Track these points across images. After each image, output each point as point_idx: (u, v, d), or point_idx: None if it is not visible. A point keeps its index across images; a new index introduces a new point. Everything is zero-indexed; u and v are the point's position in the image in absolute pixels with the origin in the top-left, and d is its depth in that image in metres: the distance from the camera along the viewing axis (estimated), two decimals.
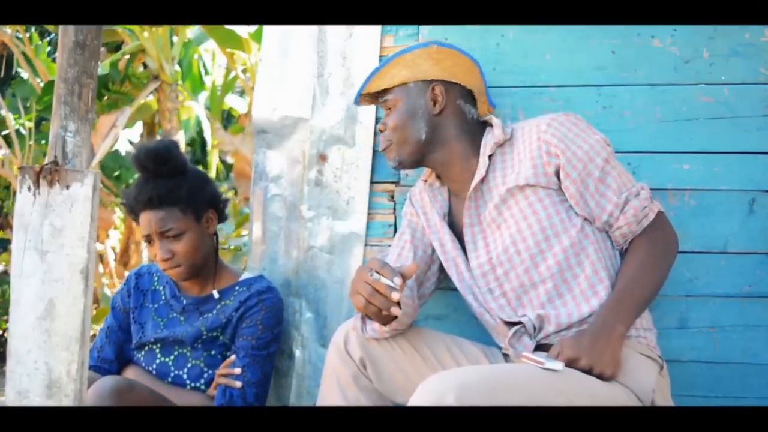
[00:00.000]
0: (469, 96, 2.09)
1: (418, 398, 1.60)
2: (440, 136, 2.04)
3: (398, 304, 1.77)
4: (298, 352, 2.43)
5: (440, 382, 1.61)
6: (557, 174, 1.93)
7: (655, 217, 1.94)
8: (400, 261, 2.07)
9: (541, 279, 1.91)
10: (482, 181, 2.00)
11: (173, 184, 2.28)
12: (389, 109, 2.09)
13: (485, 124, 2.09)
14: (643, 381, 1.81)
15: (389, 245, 2.31)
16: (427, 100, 2.04)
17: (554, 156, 1.92)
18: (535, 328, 1.89)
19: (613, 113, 2.23)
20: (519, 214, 1.94)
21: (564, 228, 1.91)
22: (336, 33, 2.45)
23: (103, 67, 5.67)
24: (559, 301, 1.89)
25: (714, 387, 2.16)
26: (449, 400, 1.55)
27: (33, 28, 6.68)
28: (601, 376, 1.76)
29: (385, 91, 2.09)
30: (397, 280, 1.74)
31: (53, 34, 7.07)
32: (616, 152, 2.01)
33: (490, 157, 2.01)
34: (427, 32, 2.34)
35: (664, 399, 1.87)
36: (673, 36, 2.22)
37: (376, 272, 1.75)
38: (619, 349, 1.79)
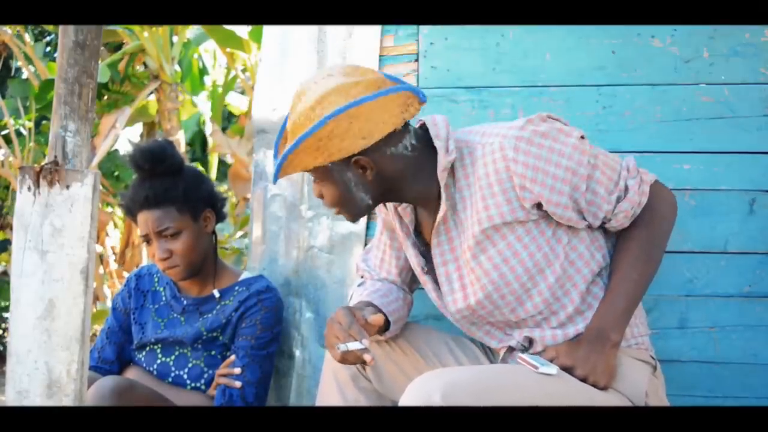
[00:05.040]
0: (399, 130, 1.78)
1: (407, 397, 1.62)
2: (387, 188, 1.82)
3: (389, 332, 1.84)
4: (298, 352, 2.43)
5: (427, 381, 1.62)
6: (537, 205, 1.78)
7: (647, 198, 1.85)
8: (384, 267, 2.04)
9: (529, 315, 1.84)
10: (444, 216, 1.83)
11: (169, 183, 2.28)
12: (315, 181, 1.84)
13: (428, 135, 1.83)
14: (636, 385, 1.80)
15: None
16: (355, 170, 1.78)
17: (529, 191, 1.75)
18: (524, 347, 1.87)
19: (613, 113, 2.23)
20: (498, 257, 1.80)
21: (548, 263, 1.80)
22: (336, 33, 2.44)
23: (103, 68, 5.66)
24: (546, 325, 1.85)
25: (714, 387, 2.16)
26: (436, 399, 1.56)
27: (29, 30, 6.68)
28: (595, 386, 1.75)
29: None
30: (366, 342, 1.74)
31: (51, 35, 7.06)
32: (616, 152, 2.00)
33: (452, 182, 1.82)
34: (427, 32, 2.34)
35: (659, 400, 1.86)
36: (673, 36, 2.22)
37: (347, 329, 1.75)
38: (613, 359, 1.77)
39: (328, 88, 1.74)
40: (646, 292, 1.85)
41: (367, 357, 1.74)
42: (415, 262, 1.94)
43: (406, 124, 1.81)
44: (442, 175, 1.79)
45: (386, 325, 1.90)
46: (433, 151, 1.81)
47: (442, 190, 1.81)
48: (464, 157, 1.81)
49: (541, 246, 1.80)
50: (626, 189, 1.83)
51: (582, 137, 1.80)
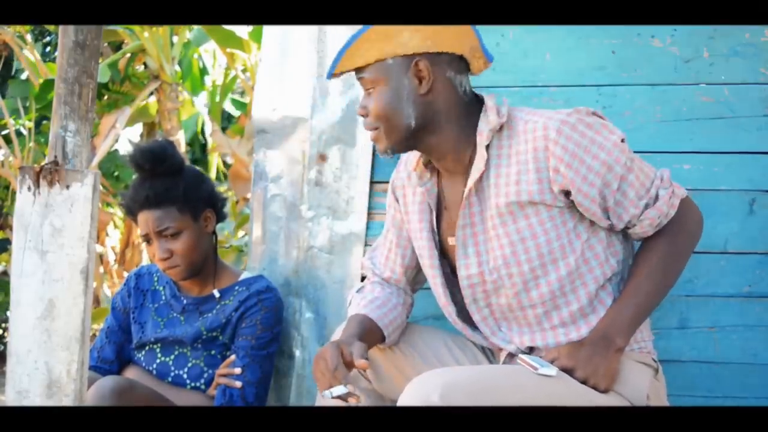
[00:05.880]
0: (461, 63, 1.83)
1: (405, 397, 1.62)
2: (432, 118, 1.82)
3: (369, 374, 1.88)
4: (298, 352, 2.43)
5: (426, 381, 1.62)
6: (565, 193, 1.78)
7: (675, 211, 1.83)
8: (388, 266, 2.03)
9: (531, 304, 1.82)
10: (480, 176, 1.83)
11: (170, 183, 2.28)
12: (368, 89, 1.84)
13: (479, 98, 1.87)
14: (637, 388, 1.79)
15: None
16: (412, 78, 1.79)
17: (562, 175, 1.75)
18: (525, 353, 1.87)
19: (613, 113, 2.23)
20: (516, 235, 1.79)
21: (563, 254, 1.79)
22: (336, 33, 2.44)
23: (103, 68, 5.66)
24: (547, 324, 1.83)
25: (714, 387, 2.16)
26: (434, 399, 1.56)
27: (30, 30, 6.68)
28: (595, 389, 1.74)
29: (361, 67, 1.83)
30: (350, 386, 1.74)
31: (51, 35, 7.06)
32: None
33: (487, 147, 1.82)
34: None
35: (660, 403, 1.85)
36: (673, 36, 2.22)
37: (332, 370, 1.75)
38: (616, 364, 1.77)
39: None
40: (659, 303, 1.84)
41: (351, 400, 1.75)
42: (429, 253, 1.92)
43: (467, 65, 1.85)
44: (488, 135, 1.80)
45: (382, 337, 1.92)
46: (477, 113, 1.84)
47: (486, 150, 1.81)
48: (503, 129, 1.83)
49: (560, 236, 1.79)
50: (656, 197, 1.82)
51: (623, 139, 1.81)
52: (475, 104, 1.86)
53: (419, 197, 1.95)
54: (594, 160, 1.77)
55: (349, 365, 1.77)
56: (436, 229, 1.94)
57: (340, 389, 1.74)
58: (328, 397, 1.75)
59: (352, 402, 1.75)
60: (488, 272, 1.84)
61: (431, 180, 1.92)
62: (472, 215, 1.86)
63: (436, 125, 1.83)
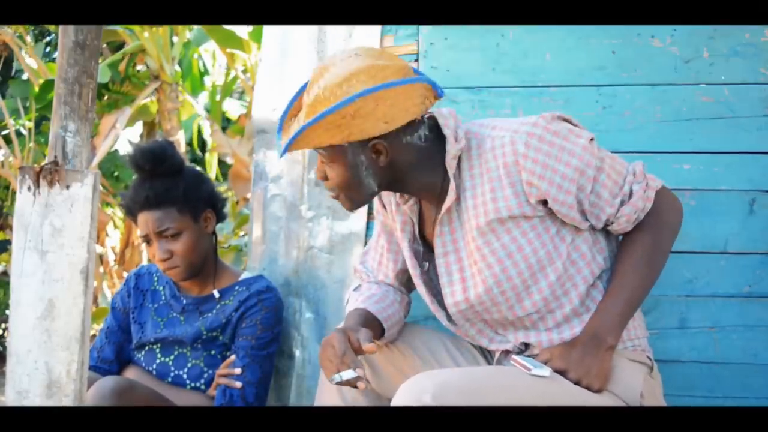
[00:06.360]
0: (414, 121, 1.78)
1: (398, 397, 1.62)
2: (395, 177, 1.81)
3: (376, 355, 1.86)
4: (298, 352, 2.43)
5: (419, 382, 1.62)
6: (543, 202, 1.78)
7: (652, 204, 1.84)
8: (381, 270, 2.04)
9: (526, 313, 1.83)
10: (455, 198, 1.82)
11: (170, 183, 2.28)
12: (324, 161, 1.81)
13: (437, 126, 1.84)
14: (630, 386, 1.79)
15: None
16: (369, 154, 1.76)
17: (536, 187, 1.75)
18: (519, 351, 1.87)
19: (613, 113, 2.23)
20: (502, 251, 1.79)
21: (550, 260, 1.80)
22: (336, 33, 2.44)
23: (103, 68, 5.66)
24: (542, 325, 1.84)
25: (714, 387, 2.16)
26: (426, 399, 1.56)
27: (30, 30, 6.68)
28: (588, 389, 1.75)
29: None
30: (359, 370, 1.74)
31: (51, 35, 7.06)
32: (616, 152, 2.00)
33: (459, 170, 1.81)
34: (427, 32, 2.34)
35: (655, 401, 1.85)
36: (673, 36, 2.22)
37: (341, 355, 1.74)
38: (608, 363, 1.77)
39: (357, 67, 1.73)
40: (646, 297, 1.84)
41: (360, 384, 1.74)
42: (411, 263, 1.94)
43: (422, 116, 1.81)
44: (451, 163, 1.79)
45: (381, 331, 1.91)
46: (441, 142, 1.81)
47: (452, 179, 1.80)
48: (471, 149, 1.82)
49: (545, 243, 1.80)
50: (630, 193, 1.82)
51: (592, 139, 1.80)
52: (438, 136, 1.83)
53: (401, 215, 1.94)
54: (566, 168, 1.76)
55: (356, 351, 1.77)
56: (419, 239, 1.94)
57: (349, 373, 1.73)
58: (337, 381, 1.74)
59: (361, 387, 1.74)
60: (475, 297, 1.84)
61: (411, 198, 1.91)
62: (455, 241, 1.86)
63: (401, 180, 1.83)
